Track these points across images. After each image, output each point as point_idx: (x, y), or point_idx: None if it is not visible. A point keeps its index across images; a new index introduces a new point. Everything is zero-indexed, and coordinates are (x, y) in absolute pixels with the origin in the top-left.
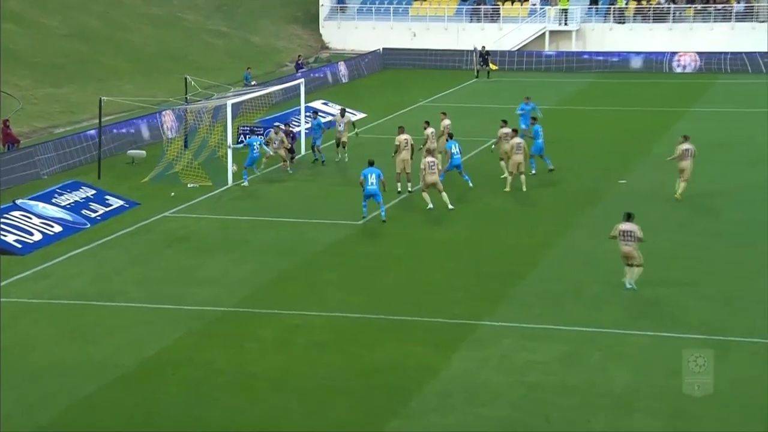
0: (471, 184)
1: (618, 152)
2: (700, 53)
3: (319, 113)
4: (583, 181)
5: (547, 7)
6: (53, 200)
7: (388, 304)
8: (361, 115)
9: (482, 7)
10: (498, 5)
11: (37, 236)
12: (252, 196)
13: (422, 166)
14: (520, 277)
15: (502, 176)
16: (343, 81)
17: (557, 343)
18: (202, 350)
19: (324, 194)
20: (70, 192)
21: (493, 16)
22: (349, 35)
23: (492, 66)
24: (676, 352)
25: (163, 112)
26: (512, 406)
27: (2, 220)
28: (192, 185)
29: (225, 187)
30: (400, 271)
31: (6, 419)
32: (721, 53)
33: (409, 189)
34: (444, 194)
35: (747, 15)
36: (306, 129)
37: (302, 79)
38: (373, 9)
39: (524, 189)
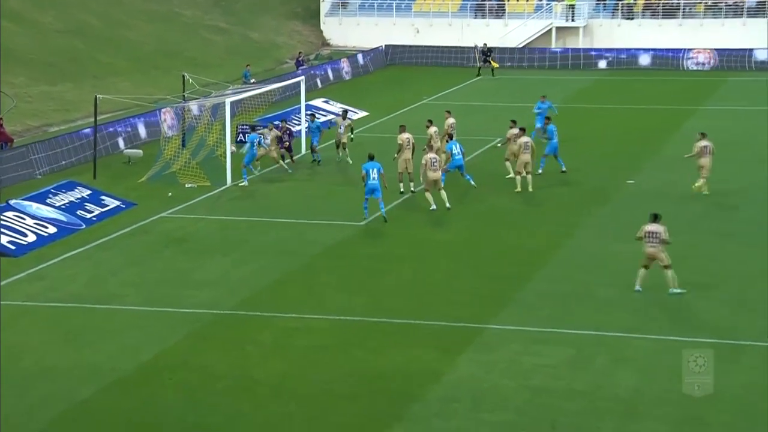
0: (474, 184)
1: (626, 151)
2: (712, 49)
3: (316, 115)
4: (590, 181)
5: (553, 3)
6: (48, 201)
7: (391, 306)
8: (363, 114)
9: (487, 2)
10: (503, 1)
11: (31, 237)
12: (251, 197)
13: (424, 162)
14: (526, 279)
15: (507, 176)
16: (345, 78)
17: (564, 347)
18: (200, 354)
19: (324, 194)
20: (64, 192)
21: (498, 12)
22: (351, 31)
23: (494, 64)
24: None
25: (163, 110)
26: (517, 411)
27: None
28: (190, 185)
29: (223, 187)
30: (403, 272)
31: (1, 423)
32: (732, 50)
33: (412, 189)
34: (443, 192)
35: (759, 10)
36: (305, 129)
37: (303, 77)
38: (376, 5)
39: (530, 189)
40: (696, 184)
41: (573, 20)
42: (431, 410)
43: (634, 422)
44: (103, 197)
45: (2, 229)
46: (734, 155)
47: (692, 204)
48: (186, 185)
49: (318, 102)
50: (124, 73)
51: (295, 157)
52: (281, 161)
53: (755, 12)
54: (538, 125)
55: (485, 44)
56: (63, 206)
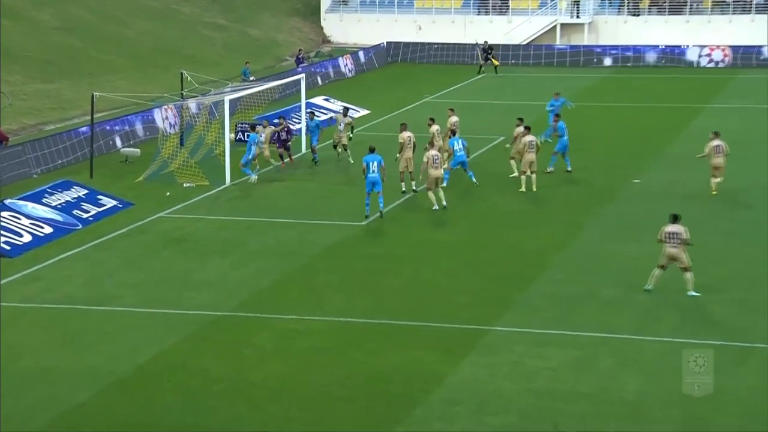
0: (476, 182)
1: (632, 150)
2: (722, 46)
3: (315, 113)
4: (595, 180)
5: None
6: (43, 200)
7: (392, 307)
8: (365, 112)
9: None
10: None
11: (27, 238)
12: (250, 196)
13: (425, 160)
14: (530, 280)
15: (511, 175)
16: (346, 76)
17: (568, 349)
18: (199, 356)
19: (325, 194)
20: (61, 192)
21: (502, 8)
22: (352, 28)
23: (495, 62)
24: None
25: (164, 107)
26: (520, 414)
27: None
28: (188, 185)
29: (222, 187)
30: (404, 273)
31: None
32: (740, 47)
33: (414, 188)
34: (440, 190)
35: (767, 6)
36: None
37: (303, 74)
38: (377, 1)
39: (534, 189)
40: (712, 188)
41: (578, 17)
42: (433, 413)
43: (640, 425)
44: (99, 197)
45: None
46: (741, 154)
47: (699, 204)
48: (184, 185)
49: (318, 100)
50: (122, 70)
51: (293, 157)
52: (272, 160)
53: (763, 8)
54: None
55: (486, 42)
56: (59, 206)
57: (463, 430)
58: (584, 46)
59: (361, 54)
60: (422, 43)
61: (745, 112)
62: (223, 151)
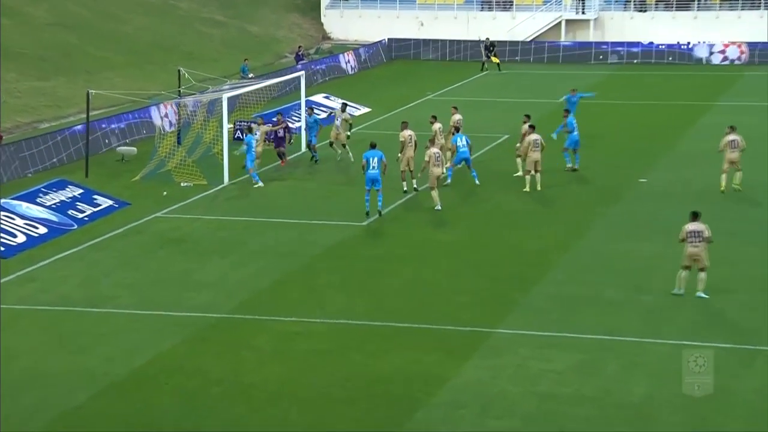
0: (478, 182)
1: (639, 148)
2: (738, 42)
3: (315, 110)
4: (601, 180)
5: None
6: (38, 200)
7: (394, 309)
8: (365, 110)
9: None
10: None
11: (21, 238)
12: (249, 196)
13: (427, 158)
14: (533, 282)
15: (516, 174)
16: (346, 73)
17: (572, 352)
18: (197, 358)
19: (325, 193)
20: (55, 191)
21: (506, 4)
22: (352, 25)
23: (494, 59)
24: None
25: (163, 104)
26: (524, 418)
27: None
28: (185, 184)
29: (220, 186)
30: (406, 274)
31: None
32: (758, 43)
33: (415, 187)
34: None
35: None
36: (297, 127)
37: (302, 72)
38: None
39: (539, 188)
40: (735, 182)
41: (583, 12)
42: (435, 416)
43: (646, 429)
44: (95, 196)
45: None
46: (754, 151)
47: (708, 203)
48: (182, 184)
49: (318, 97)
50: (118, 67)
51: (289, 157)
52: (257, 160)
53: None
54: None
55: (488, 38)
56: (54, 206)
57: None
58: (590, 43)
59: (361, 51)
60: (424, 40)
61: (755, 110)
62: (222, 150)
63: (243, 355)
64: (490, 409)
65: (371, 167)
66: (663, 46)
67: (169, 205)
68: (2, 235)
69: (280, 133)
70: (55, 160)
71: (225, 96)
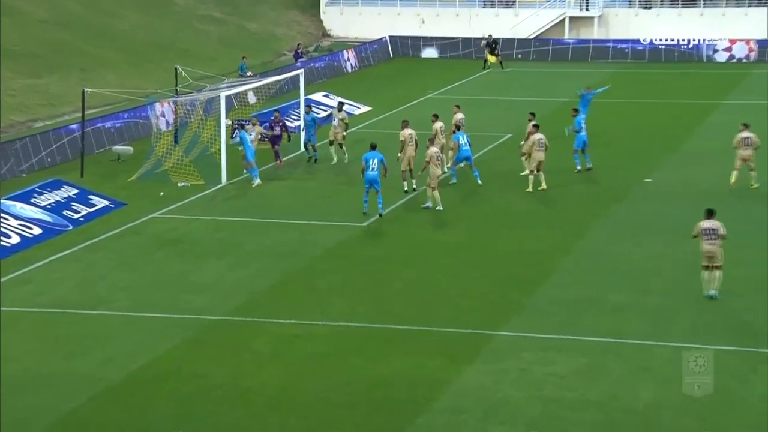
0: (480, 182)
1: (644, 148)
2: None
3: (313, 108)
4: (606, 180)
5: None
6: (32, 200)
7: (395, 311)
8: (366, 109)
9: None
10: None
11: (15, 239)
12: (247, 196)
13: (427, 159)
14: (537, 284)
15: (522, 173)
16: (346, 71)
17: (577, 355)
18: (194, 362)
19: (324, 193)
20: (50, 191)
21: (509, 1)
22: (353, 22)
23: (491, 58)
24: None
25: (159, 103)
26: (528, 423)
27: None
28: (183, 184)
29: (218, 186)
30: (407, 275)
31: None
32: (759, 41)
33: (414, 187)
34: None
35: None
36: (296, 126)
37: (302, 70)
38: None
39: (543, 188)
40: (752, 183)
41: (587, 9)
42: (437, 421)
43: None
44: (91, 196)
45: None
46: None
47: (714, 203)
48: (179, 184)
49: (318, 96)
50: (114, 65)
51: (288, 157)
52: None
53: None
54: (583, 114)
55: (490, 35)
56: (49, 206)
57: None
58: (594, 41)
59: (362, 48)
60: (426, 37)
61: (763, 108)
62: (219, 149)
63: (241, 358)
64: (492, 414)
65: (371, 168)
66: (668, 44)
67: (166, 205)
68: None
69: (277, 132)
70: (49, 159)
71: (223, 94)
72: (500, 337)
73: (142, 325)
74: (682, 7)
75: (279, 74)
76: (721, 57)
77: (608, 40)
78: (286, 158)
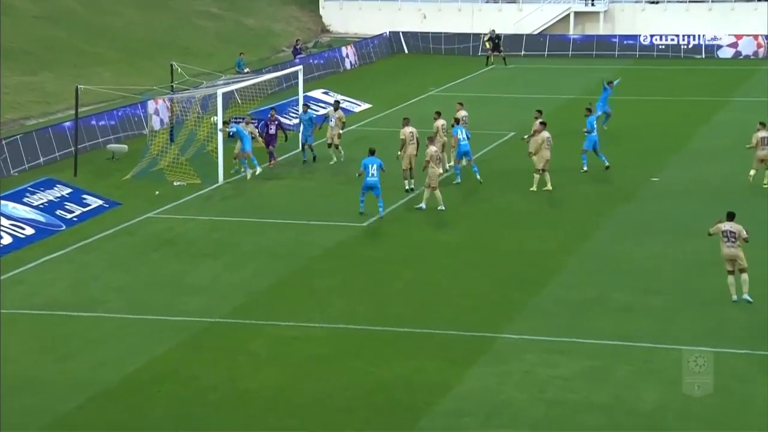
0: (479, 178)
1: (651, 146)
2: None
3: (312, 106)
4: (612, 179)
5: None
6: (25, 200)
7: (395, 313)
8: (366, 106)
9: None
10: None
11: (7, 239)
12: (245, 195)
13: (427, 158)
14: (540, 285)
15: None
16: (346, 68)
17: (581, 357)
18: (191, 364)
19: (323, 193)
20: (43, 190)
21: None
22: (352, 17)
23: (489, 57)
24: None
25: (153, 100)
26: (531, 426)
27: None
28: (178, 183)
29: (215, 186)
30: (407, 276)
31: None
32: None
33: (413, 187)
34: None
35: None
36: (294, 124)
37: (300, 66)
38: None
39: (549, 187)
40: (765, 182)
41: (593, 4)
42: (439, 425)
43: None
44: (84, 196)
45: None
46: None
47: (722, 203)
48: (174, 183)
49: (317, 93)
50: (108, 62)
51: (287, 155)
52: (236, 160)
53: None
54: (599, 111)
55: (493, 30)
56: (41, 206)
57: None
58: (599, 36)
59: (362, 44)
60: (427, 33)
61: None
62: (216, 148)
63: (238, 360)
64: (495, 417)
65: (370, 174)
66: (673, 40)
67: (161, 205)
68: None
69: (272, 131)
70: (42, 158)
71: (220, 91)
72: (503, 339)
73: (138, 327)
74: (689, 1)
75: (277, 71)
76: (728, 53)
77: (614, 36)
78: (284, 157)
